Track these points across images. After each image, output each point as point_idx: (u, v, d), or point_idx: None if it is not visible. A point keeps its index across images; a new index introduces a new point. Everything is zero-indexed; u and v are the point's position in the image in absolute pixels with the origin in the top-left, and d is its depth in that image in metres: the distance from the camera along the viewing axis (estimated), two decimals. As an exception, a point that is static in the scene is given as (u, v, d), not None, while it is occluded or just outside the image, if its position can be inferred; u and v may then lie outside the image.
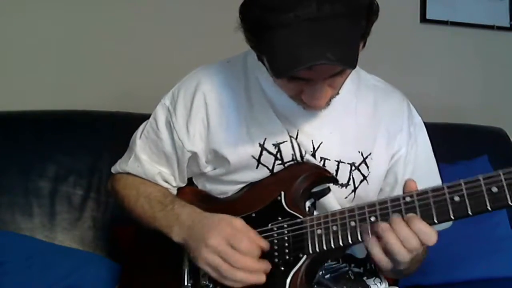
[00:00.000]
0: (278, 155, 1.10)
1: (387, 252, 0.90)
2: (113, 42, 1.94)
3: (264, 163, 1.11)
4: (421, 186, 0.93)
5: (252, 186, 1.14)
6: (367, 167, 1.12)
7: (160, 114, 1.19)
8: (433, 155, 1.21)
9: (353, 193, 1.12)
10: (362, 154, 1.12)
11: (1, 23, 1.83)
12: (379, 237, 0.91)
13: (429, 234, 0.88)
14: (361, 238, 0.94)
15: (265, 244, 1.00)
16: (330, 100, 1.04)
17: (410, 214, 0.89)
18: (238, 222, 1.01)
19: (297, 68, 0.86)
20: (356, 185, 1.12)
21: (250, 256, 0.97)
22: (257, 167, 1.11)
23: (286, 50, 0.86)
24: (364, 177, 1.12)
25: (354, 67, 0.89)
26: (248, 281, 0.97)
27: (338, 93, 1.06)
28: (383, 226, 0.90)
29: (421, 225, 0.88)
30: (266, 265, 0.99)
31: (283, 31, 0.85)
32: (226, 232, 0.98)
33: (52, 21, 1.89)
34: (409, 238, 0.88)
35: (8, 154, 1.61)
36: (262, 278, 0.98)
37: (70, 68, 1.89)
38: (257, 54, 1.01)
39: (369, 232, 0.92)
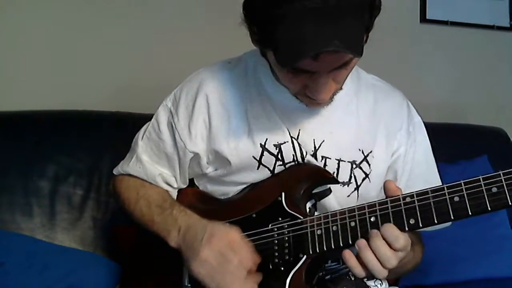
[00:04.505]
0: (279, 156, 1.10)
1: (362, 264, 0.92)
2: (113, 42, 1.94)
3: (265, 164, 1.11)
4: (420, 184, 0.94)
5: (253, 187, 1.14)
6: (369, 165, 1.13)
7: (162, 115, 1.19)
8: (432, 155, 1.21)
9: (355, 191, 1.12)
10: (362, 152, 1.13)
11: (1, 23, 1.83)
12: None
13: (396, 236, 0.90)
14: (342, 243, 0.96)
15: (256, 261, 1.00)
16: (333, 96, 1.04)
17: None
18: (234, 235, 1.00)
19: (305, 55, 0.86)
20: (359, 183, 1.12)
21: (238, 272, 0.97)
22: (258, 168, 1.11)
23: (292, 39, 0.86)
24: (366, 175, 1.13)
25: (360, 55, 0.88)
26: None
27: (341, 88, 1.06)
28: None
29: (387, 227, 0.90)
30: (258, 278, 0.99)
31: (289, 21, 0.85)
32: (218, 246, 0.98)
33: (52, 21, 1.89)
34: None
35: (8, 154, 1.61)
36: None
37: (70, 68, 1.89)
38: (261, 50, 1.01)
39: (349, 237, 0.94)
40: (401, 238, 0.89)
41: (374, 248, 0.90)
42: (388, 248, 0.90)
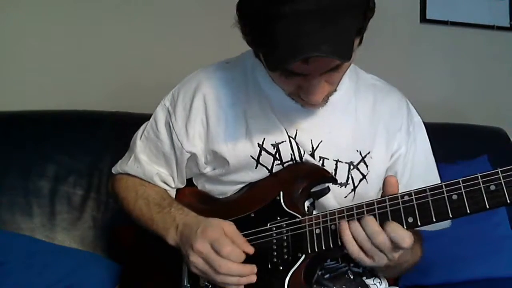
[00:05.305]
0: (277, 155, 1.10)
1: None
2: (113, 42, 1.94)
3: (263, 163, 1.11)
4: (420, 184, 0.93)
5: (251, 186, 1.14)
6: (366, 166, 1.13)
7: (160, 115, 1.19)
8: (432, 155, 1.21)
9: (352, 192, 1.12)
10: (360, 153, 1.12)
11: (1, 23, 1.83)
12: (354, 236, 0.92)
13: (402, 235, 0.88)
14: (341, 242, 0.94)
15: (249, 249, 1.00)
16: (327, 97, 1.04)
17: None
18: (227, 227, 1.01)
19: (292, 60, 0.85)
20: (356, 184, 1.12)
21: (233, 260, 0.97)
22: (256, 167, 1.11)
23: (282, 43, 0.86)
24: (364, 176, 1.13)
25: (348, 60, 0.88)
26: (239, 283, 0.98)
27: (336, 90, 1.06)
28: (354, 223, 0.92)
29: (393, 226, 0.89)
30: (251, 268, 0.99)
31: (280, 23, 0.85)
32: (211, 237, 0.98)
33: (52, 21, 1.89)
34: (377, 233, 0.89)
35: (8, 154, 1.61)
36: (252, 279, 0.98)
37: (70, 68, 1.89)
38: (254, 51, 1.01)
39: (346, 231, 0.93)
40: (406, 237, 0.88)
41: (362, 224, 0.91)
42: (376, 224, 0.90)
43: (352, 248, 0.91)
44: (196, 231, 1.00)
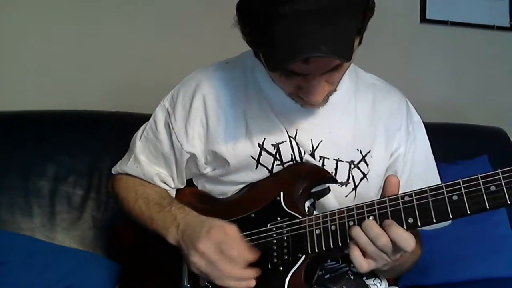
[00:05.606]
0: (277, 156, 1.10)
1: (365, 255, 0.91)
2: (113, 42, 1.94)
3: (264, 164, 1.11)
4: (419, 184, 0.93)
5: (251, 187, 1.14)
6: (367, 165, 1.13)
7: (159, 115, 1.19)
8: (431, 154, 1.21)
9: (353, 191, 1.12)
10: (361, 152, 1.12)
11: (1, 23, 1.83)
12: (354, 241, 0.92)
13: (406, 238, 0.88)
14: (341, 243, 0.94)
15: (252, 257, 1.00)
16: (327, 97, 1.04)
17: (386, 221, 0.90)
18: (231, 229, 1.01)
19: (292, 61, 0.85)
20: (357, 183, 1.12)
21: (237, 264, 0.97)
22: (256, 168, 1.11)
23: (282, 43, 0.86)
24: (364, 175, 1.13)
25: (348, 60, 0.87)
26: (238, 287, 0.98)
27: (335, 90, 1.06)
28: (355, 229, 0.91)
29: (395, 229, 0.88)
30: (253, 273, 0.99)
31: (280, 23, 0.85)
32: (217, 238, 0.98)
33: (52, 21, 1.89)
34: (379, 236, 0.88)
35: (8, 154, 1.61)
36: (251, 284, 0.99)
37: (70, 68, 1.89)
38: (254, 51, 1.01)
39: (347, 236, 0.93)
40: (410, 240, 0.88)
41: (363, 228, 0.91)
42: (380, 229, 0.89)
43: (362, 264, 0.91)
44: (200, 231, 1.00)
